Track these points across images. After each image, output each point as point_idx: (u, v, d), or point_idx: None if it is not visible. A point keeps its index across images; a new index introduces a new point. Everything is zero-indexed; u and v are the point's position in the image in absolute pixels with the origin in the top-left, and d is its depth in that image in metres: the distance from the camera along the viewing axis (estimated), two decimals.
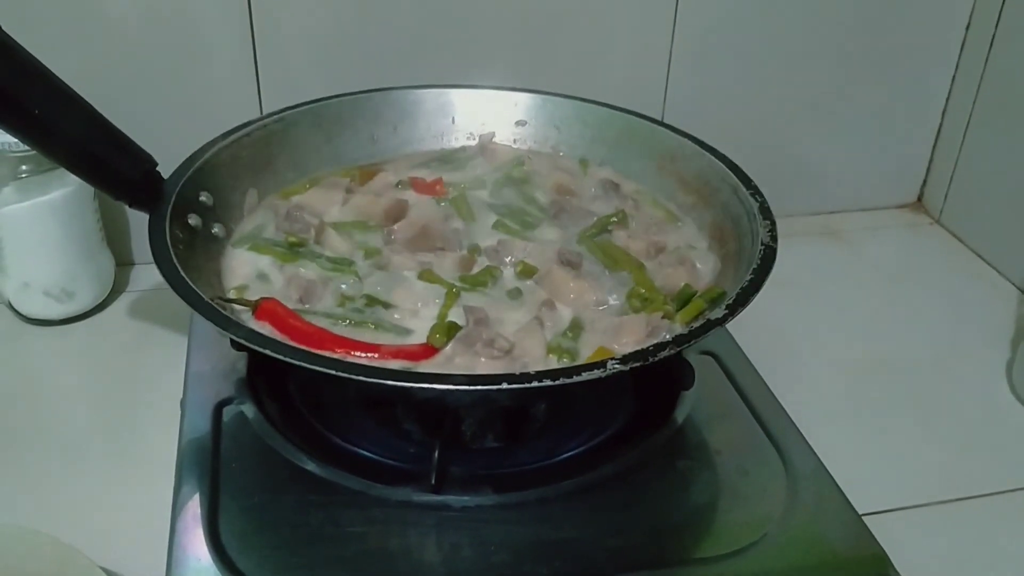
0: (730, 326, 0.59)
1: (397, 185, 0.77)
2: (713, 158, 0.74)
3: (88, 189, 0.86)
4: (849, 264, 1.04)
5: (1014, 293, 0.99)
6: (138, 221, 0.94)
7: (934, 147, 1.12)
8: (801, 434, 0.66)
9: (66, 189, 0.84)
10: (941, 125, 1.10)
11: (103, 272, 0.91)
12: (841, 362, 0.87)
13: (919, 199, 1.15)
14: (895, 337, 0.91)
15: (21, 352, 0.86)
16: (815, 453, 0.65)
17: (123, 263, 0.95)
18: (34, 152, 0.80)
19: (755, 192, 0.69)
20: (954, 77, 1.07)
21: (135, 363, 0.84)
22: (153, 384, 0.80)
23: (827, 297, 0.97)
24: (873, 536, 0.59)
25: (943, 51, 1.06)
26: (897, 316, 0.95)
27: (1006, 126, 1.01)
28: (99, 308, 0.90)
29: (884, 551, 0.58)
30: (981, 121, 1.05)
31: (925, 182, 1.14)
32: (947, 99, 1.09)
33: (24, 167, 0.83)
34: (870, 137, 1.09)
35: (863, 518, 0.61)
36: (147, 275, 0.95)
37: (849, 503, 0.61)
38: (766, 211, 0.67)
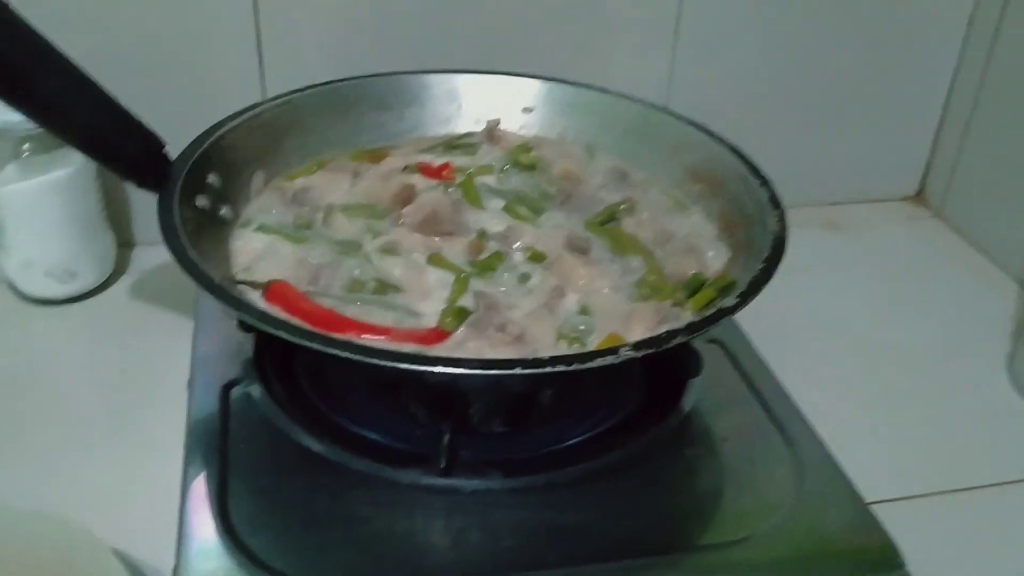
0: (735, 315, 0.59)
1: (404, 170, 0.77)
2: (721, 147, 0.74)
3: (91, 169, 0.85)
4: (849, 256, 1.04)
5: (1014, 287, 0.99)
6: (140, 202, 0.94)
7: (935, 139, 1.12)
8: (808, 422, 0.66)
9: (69, 169, 0.84)
10: (943, 118, 1.10)
11: (105, 252, 0.90)
12: (843, 353, 0.87)
13: (920, 192, 1.15)
14: (896, 329, 0.92)
15: (23, 332, 0.85)
16: (822, 441, 0.65)
17: (125, 244, 0.95)
18: (37, 131, 0.80)
19: (764, 182, 0.70)
20: (957, 69, 1.07)
21: (139, 344, 0.83)
22: (158, 365, 0.79)
23: (828, 288, 0.97)
24: (880, 524, 0.59)
25: (946, 42, 1.06)
26: (898, 308, 0.95)
27: (1009, 119, 1.01)
28: (101, 288, 0.90)
29: (891, 539, 0.58)
30: (983, 114, 1.05)
31: (926, 175, 1.14)
32: (949, 91, 1.09)
33: (27, 146, 0.83)
34: (871, 129, 1.09)
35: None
36: (149, 256, 0.95)
37: (856, 491, 0.61)
38: (775, 200, 0.67)
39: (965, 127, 1.07)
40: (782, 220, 0.65)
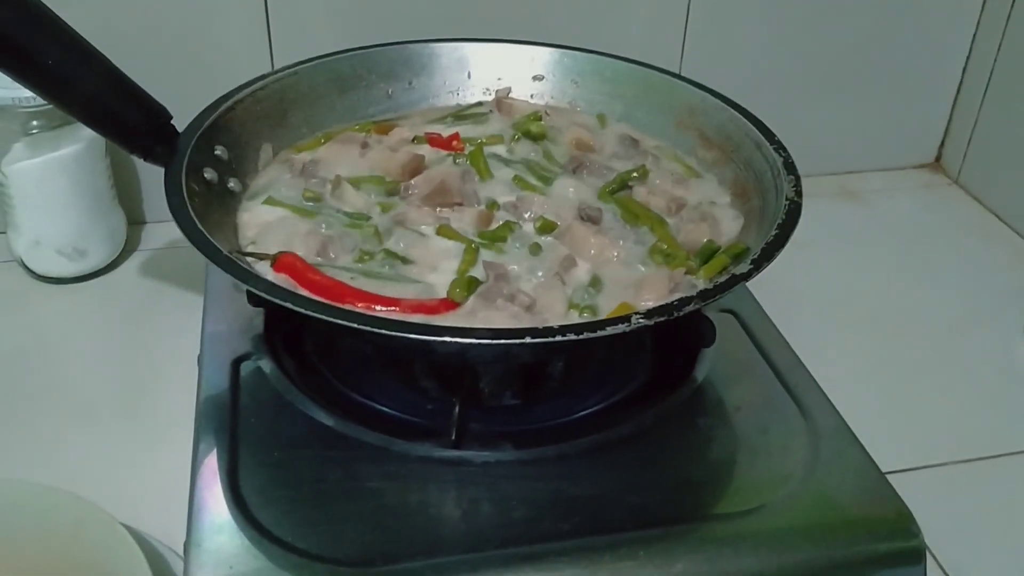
0: (749, 284, 0.58)
1: (413, 141, 0.76)
2: (735, 113, 0.73)
3: (100, 146, 0.85)
4: (866, 224, 1.03)
5: None
6: (149, 179, 0.94)
7: (953, 107, 1.10)
8: (822, 391, 0.65)
9: (77, 146, 0.83)
10: (960, 84, 1.09)
11: (115, 230, 0.90)
12: (858, 322, 0.87)
13: (937, 159, 1.14)
14: (913, 297, 0.91)
15: (34, 310, 0.86)
16: (836, 410, 0.64)
17: (134, 222, 0.95)
18: (45, 108, 0.80)
19: (779, 147, 0.68)
20: (974, 36, 1.06)
21: (149, 321, 0.84)
22: (168, 341, 0.80)
23: (844, 257, 0.96)
24: (896, 493, 0.58)
25: (964, 9, 1.04)
26: (915, 277, 0.94)
27: None
28: (111, 266, 0.90)
29: (908, 508, 0.57)
30: (1001, 81, 1.03)
31: (943, 142, 1.13)
32: (967, 58, 1.07)
33: (35, 123, 0.82)
34: (888, 96, 1.08)
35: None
36: (159, 234, 0.95)
37: (872, 460, 0.60)
38: (790, 166, 0.66)
39: (983, 94, 1.06)
40: (797, 186, 0.64)
